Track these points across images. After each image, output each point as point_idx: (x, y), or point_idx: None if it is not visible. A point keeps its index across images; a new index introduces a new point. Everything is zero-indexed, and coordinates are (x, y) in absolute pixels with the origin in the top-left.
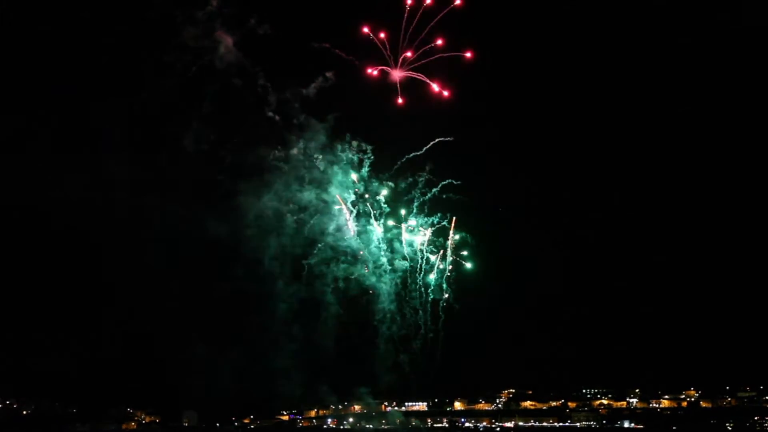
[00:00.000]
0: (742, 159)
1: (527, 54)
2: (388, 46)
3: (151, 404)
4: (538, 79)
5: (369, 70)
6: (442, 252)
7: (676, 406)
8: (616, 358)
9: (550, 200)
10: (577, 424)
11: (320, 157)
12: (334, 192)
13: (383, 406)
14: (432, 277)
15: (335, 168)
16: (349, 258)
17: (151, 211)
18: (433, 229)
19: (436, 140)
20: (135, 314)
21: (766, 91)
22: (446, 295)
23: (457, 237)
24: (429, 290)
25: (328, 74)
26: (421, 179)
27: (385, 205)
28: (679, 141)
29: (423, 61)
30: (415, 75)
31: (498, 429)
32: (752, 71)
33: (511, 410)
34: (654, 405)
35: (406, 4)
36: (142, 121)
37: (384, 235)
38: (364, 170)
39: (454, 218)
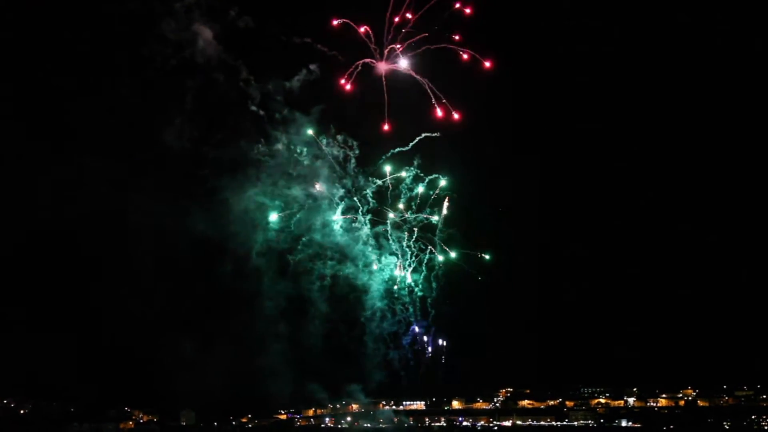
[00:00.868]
0: (739, 160)
1: (524, 51)
2: (373, 39)
3: (148, 403)
4: (530, 72)
5: (342, 81)
6: (430, 248)
7: (673, 405)
8: (613, 356)
9: (547, 195)
10: (575, 423)
11: (305, 151)
12: (321, 187)
13: (380, 404)
14: (420, 272)
15: (321, 163)
16: (336, 254)
17: (136, 209)
18: (420, 224)
19: (422, 136)
20: (131, 312)
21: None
22: (433, 293)
23: (446, 232)
24: (417, 287)
25: (312, 67)
26: (409, 174)
27: (373, 201)
28: (672, 146)
29: (411, 54)
30: (402, 69)
31: (496, 428)
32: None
33: (509, 409)
34: (651, 404)
35: None
36: (121, 116)
37: (371, 230)
38: (351, 165)
39: (443, 213)
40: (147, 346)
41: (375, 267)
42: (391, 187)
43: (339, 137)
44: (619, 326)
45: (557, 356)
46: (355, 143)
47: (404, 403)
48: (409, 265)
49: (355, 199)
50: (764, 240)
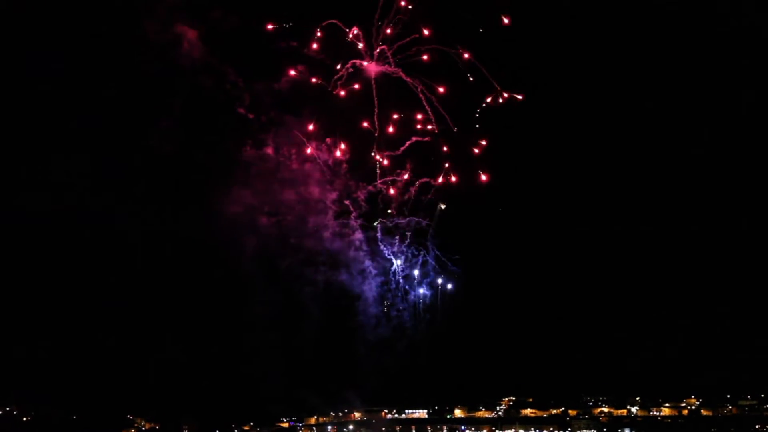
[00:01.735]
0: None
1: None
2: (362, 40)
3: (150, 410)
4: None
5: (332, 82)
6: (423, 253)
7: (676, 414)
8: (617, 365)
9: (545, 198)
10: None
11: (295, 155)
12: (312, 191)
13: (383, 413)
14: (415, 279)
15: (311, 166)
16: (329, 260)
17: (127, 214)
18: (413, 229)
19: (413, 140)
20: (133, 319)
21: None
22: (422, 300)
23: (439, 238)
24: (410, 293)
25: (301, 68)
26: (400, 179)
27: (366, 205)
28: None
29: (401, 56)
30: (392, 70)
31: None
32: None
33: (511, 418)
34: (654, 413)
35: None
36: (106, 118)
37: (365, 235)
38: (342, 169)
39: (436, 218)
40: (149, 354)
41: (368, 272)
42: (383, 191)
43: (329, 140)
44: (622, 334)
45: (560, 365)
46: (345, 146)
47: (406, 411)
48: (403, 271)
49: (346, 203)
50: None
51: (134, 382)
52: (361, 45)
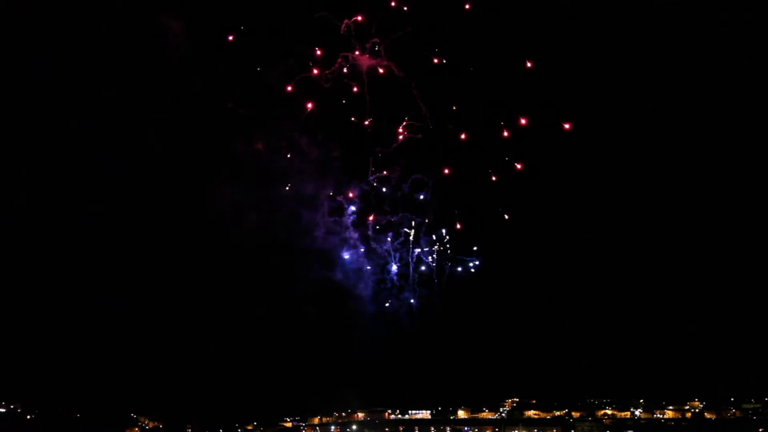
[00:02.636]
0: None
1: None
2: (353, 33)
3: (154, 410)
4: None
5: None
6: (418, 251)
7: (680, 416)
8: (620, 367)
9: (552, 202)
10: None
11: (287, 151)
12: (305, 189)
13: (386, 413)
14: (410, 276)
15: (304, 162)
16: (323, 258)
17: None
18: (409, 225)
19: (407, 136)
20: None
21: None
22: (413, 300)
23: (435, 236)
24: (405, 290)
25: (292, 62)
26: (393, 175)
27: (361, 202)
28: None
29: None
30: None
31: None
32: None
33: (514, 419)
34: (658, 416)
35: None
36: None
37: (360, 233)
38: (335, 165)
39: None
40: (153, 353)
41: (364, 270)
42: (377, 188)
43: (322, 136)
44: (626, 337)
45: (564, 366)
46: (338, 143)
47: (410, 411)
48: (398, 269)
49: (341, 199)
50: None
51: (138, 381)
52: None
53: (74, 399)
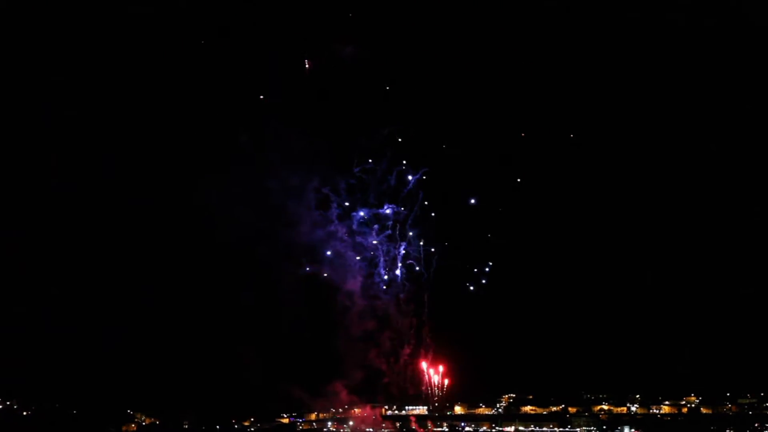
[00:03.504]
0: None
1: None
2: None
3: (151, 406)
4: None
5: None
6: (404, 245)
7: (676, 412)
8: (617, 362)
9: (547, 201)
10: (578, 429)
11: (274, 145)
12: (292, 183)
13: (383, 409)
14: (398, 271)
15: (290, 155)
16: (310, 250)
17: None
18: (396, 218)
19: (391, 128)
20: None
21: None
22: (402, 292)
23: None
24: (393, 283)
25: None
26: (380, 168)
27: (348, 194)
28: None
29: None
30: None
31: None
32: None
33: (511, 415)
34: (654, 411)
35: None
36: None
37: (349, 226)
38: (323, 159)
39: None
40: (149, 349)
41: (352, 262)
42: (363, 181)
43: (308, 129)
44: (622, 332)
45: (560, 362)
46: (325, 137)
47: (407, 407)
48: (386, 261)
49: (327, 192)
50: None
51: (134, 378)
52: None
53: (71, 396)
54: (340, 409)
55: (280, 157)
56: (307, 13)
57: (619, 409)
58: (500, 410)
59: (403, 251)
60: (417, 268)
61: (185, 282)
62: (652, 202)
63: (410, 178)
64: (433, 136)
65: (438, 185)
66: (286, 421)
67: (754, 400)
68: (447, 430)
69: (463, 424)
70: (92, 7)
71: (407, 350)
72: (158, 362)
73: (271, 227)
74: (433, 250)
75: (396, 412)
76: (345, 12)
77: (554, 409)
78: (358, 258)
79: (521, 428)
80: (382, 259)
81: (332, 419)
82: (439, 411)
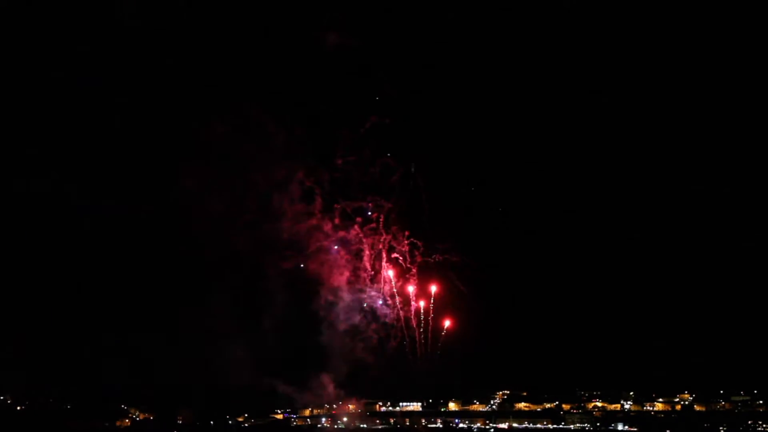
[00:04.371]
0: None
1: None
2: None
3: (145, 401)
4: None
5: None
6: (389, 237)
7: (670, 409)
8: (610, 360)
9: (543, 198)
10: (571, 426)
11: (248, 137)
12: (272, 174)
13: (377, 405)
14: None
15: (267, 147)
16: (292, 245)
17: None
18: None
19: (374, 121)
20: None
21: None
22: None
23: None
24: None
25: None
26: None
27: (330, 187)
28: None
29: None
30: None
31: (492, 430)
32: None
33: (505, 411)
34: (648, 408)
35: None
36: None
37: (329, 218)
38: (304, 150)
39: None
40: (144, 345)
41: (334, 257)
42: (345, 173)
43: (287, 119)
44: (616, 330)
45: (554, 359)
46: (305, 128)
47: (401, 404)
48: (370, 258)
49: (309, 185)
50: (762, 245)
51: (129, 373)
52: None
53: (65, 391)
54: (335, 405)
55: (262, 147)
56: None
57: (613, 406)
58: (494, 407)
59: (389, 244)
60: (401, 261)
61: (167, 277)
62: (649, 201)
63: (395, 170)
64: (419, 127)
65: (425, 177)
66: (280, 417)
67: (747, 398)
68: (441, 426)
69: (457, 420)
70: None
71: (393, 343)
72: (153, 358)
73: (253, 220)
74: (419, 243)
75: (390, 408)
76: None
77: (548, 405)
78: (342, 251)
79: (515, 425)
80: (366, 252)
81: (326, 415)
82: (433, 407)
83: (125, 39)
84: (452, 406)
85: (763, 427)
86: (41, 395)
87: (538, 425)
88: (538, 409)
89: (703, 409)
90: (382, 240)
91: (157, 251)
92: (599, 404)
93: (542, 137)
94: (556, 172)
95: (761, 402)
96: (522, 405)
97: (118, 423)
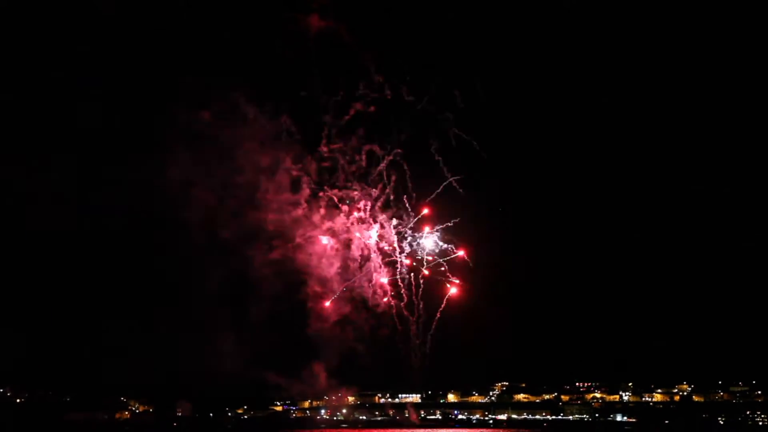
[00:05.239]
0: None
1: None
2: None
3: (145, 394)
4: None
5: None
6: (376, 227)
7: (668, 400)
8: (609, 352)
9: (547, 195)
10: (570, 417)
11: (231, 124)
12: (258, 162)
13: (376, 397)
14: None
15: (254, 134)
16: (279, 233)
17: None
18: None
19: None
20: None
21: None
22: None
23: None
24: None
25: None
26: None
27: (317, 173)
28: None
29: None
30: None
31: (491, 421)
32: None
33: (504, 403)
34: (647, 399)
35: None
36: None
37: (317, 206)
38: (291, 138)
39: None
40: (142, 338)
41: (324, 245)
42: (333, 161)
43: (272, 105)
44: (615, 321)
45: (553, 350)
46: (291, 116)
47: (400, 395)
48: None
49: (297, 173)
50: (760, 239)
51: (129, 365)
52: None
53: (65, 383)
54: (333, 397)
55: (249, 135)
56: None
57: (611, 397)
58: (493, 398)
59: (377, 234)
60: (390, 252)
61: (181, 274)
62: (646, 198)
63: (382, 157)
64: (407, 113)
65: (413, 166)
66: (279, 408)
67: (745, 388)
68: (440, 417)
69: (456, 411)
70: None
71: (385, 331)
72: (152, 350)
73: (239, 209)
74: (408, 229)
75: (389, 399)
76: None
77: (547, 397)
78: (330, 241)
79: (514, 416)
80: (355, 242)
81: (325, 407)
82: (432, 399)
83: (107, 28)
84: (451, 397)
85: (761, 417)
86: (41, 387)
87: (537, 416)
88: (537, 401)
89: (702, 399)
90: (369, 229)
91: (152, 248)
92: (598, 395)
93: (542, 137)
94: (556, 171)
95: (760, 392)
96: (521, 396)
97: (117, 415)
